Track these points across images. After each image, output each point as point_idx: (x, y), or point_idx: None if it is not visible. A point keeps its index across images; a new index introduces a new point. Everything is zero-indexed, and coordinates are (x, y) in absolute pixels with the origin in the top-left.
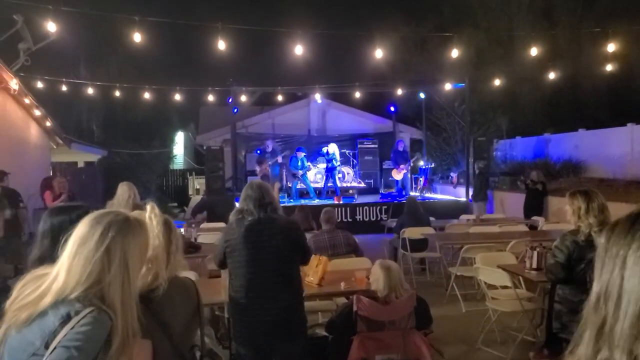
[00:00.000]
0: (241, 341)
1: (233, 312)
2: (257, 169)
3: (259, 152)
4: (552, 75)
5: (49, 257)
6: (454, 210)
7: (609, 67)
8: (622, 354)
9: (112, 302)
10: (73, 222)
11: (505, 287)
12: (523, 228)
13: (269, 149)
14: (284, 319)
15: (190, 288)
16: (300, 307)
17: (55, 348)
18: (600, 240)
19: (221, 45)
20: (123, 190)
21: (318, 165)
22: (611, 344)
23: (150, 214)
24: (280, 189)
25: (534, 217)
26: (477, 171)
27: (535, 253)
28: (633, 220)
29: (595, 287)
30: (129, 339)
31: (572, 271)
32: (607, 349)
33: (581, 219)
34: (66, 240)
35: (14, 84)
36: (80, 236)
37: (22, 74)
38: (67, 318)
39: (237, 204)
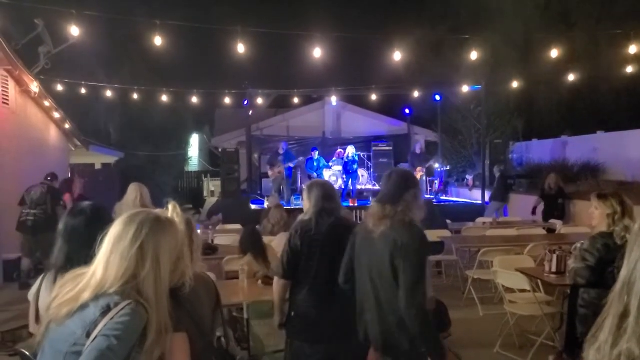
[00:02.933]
0: (305, 338)
1: (298, 310)
2: (269, 171)
3: (269, 155)
4: (570, 78)
5: (66, 256)
6: (470, 213)
7: (630, 69)
8: (637, 346)
9: (147, 296)
10: (86, 223)
11: (523, 290)
12: (541, 231)
13: (282, 151)
14: (346, 320)
15: (209, 283)
16: None
17: (96, 337)
18: (635, 227)
19: (240, 48)
20: (131, 191)
21: (333, 167)
22: (630, 334)
23: (173, 214)
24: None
25: (552, 220)
26: (497, 174)
27: (554, 256)
28: None
29: (623, 273)
30: (163, 332)
31: (602, 275)
32: (626, 340)
33: (616, 222)
34: (102, 240)
35: (34, 87)
36: (115, 234)
37: (42, 77)
38: (107, 309)
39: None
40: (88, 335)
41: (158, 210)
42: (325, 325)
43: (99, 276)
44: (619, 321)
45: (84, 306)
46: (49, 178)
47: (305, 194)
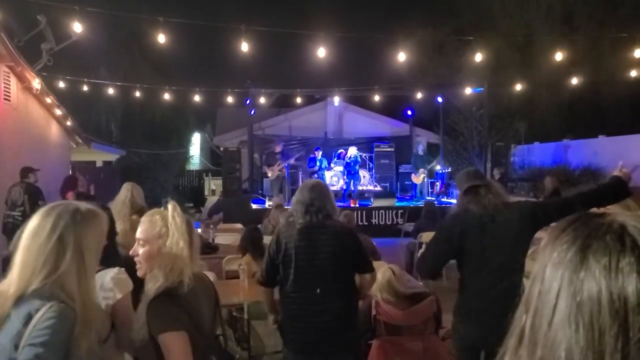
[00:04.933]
0: (292, 347)
1: (284, 317)
2: (268, 171)
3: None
4: (572, 81)
5: None
6: None
7: (633, 73)
8: None
9: (70, 289)
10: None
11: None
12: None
13: (278, 150)
14: (336, 328)
15: (208, 283)
16: (354, 317)
17: (23, 348)
18: (542, 243)
19: (244, 47)
20: (122, 190)
21: (335, 168)
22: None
23: (173, 213)
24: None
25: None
26: (496, 177)
27: None
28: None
29: (525, 290)
30: (89, 323)
31: None
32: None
33: None
34: (19, 236)
35: (36, 83)
36: (32, 229)
37: (44, 74)
38: (28, 318)
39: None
40: (17, 347)
41: (81, 203)
42: (310, 335)
43: (15, 276)
44: (517, 344)
45: (7, 317)
46: (25, 174)
47: (294, 196)
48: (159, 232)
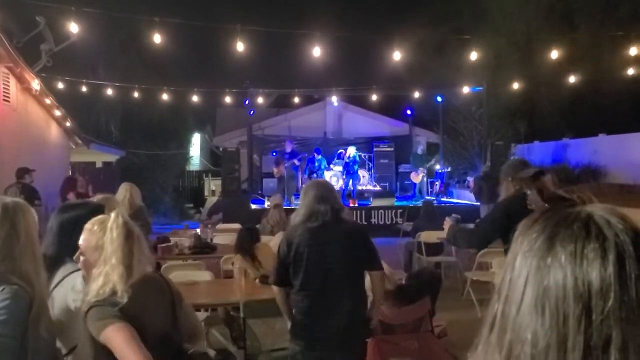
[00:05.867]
0: (302, 345)
1: (295, 315)
2: (275, 170)
3: (274, 154)
4: (571, 80)
5: (54, 252)
6: (470, 215)
7: (631, 71)
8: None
9: (26, 271)
10: (86, 218)
11: None
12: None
13: (288, 150)
14: (346, 326)
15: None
16: (364, 315)
17: None
18: (516, 234)
19: (240, 46)
20: (121, 190)
21: (334, 168)
22: (494, 346)
23: (112, 225)
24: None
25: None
26: (481, 174)
27: None
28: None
29: (497, 279)
30: (45, 304)
31: None
32: (490, 353)
33: None
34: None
35: (35, 84)
36: None
37: (43, 75)
38: None
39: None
40: None
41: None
42: (319, 332)
43: None
44: (489, 331)
45: None
46: (21, 175)
47: (301, 195)
48: (95, 244)
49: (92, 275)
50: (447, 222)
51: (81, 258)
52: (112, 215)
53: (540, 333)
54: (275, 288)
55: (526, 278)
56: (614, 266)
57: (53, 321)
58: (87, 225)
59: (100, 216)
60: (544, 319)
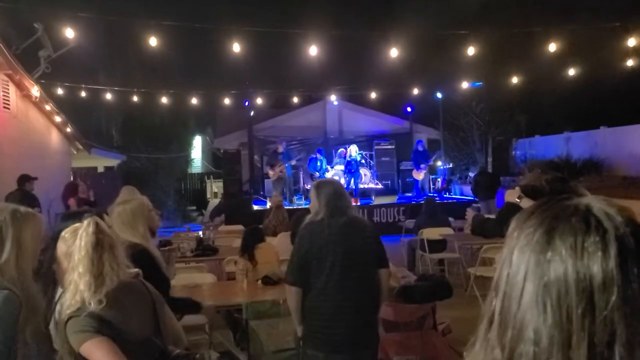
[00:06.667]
0: (325, 349)
1: (311, 315)
2: (270, 171)
3: (267, 155)
4: (571, 72)
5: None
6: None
7: (630, 63)
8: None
9: (11, 276)
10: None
11: None
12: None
13: (282, 150)
14: (361, 324)
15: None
16: (376, 313)
17: None
18: (510, 229)
19: (236, 48)
20: (124, 195)
21: (336, 167)
22: (494, 343)
23: (82, 232)
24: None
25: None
26: (479, 169)
27: None
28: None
29: (495, 275)
30: (34, 309)
31: None
32: (490, 350)
33: None
34: None
35: (35, 91)
36: None
37: (42, 81)
38: None
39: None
40: None
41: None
42: (340, 333)
43: None
44: (487, 328)
45: None
46: (22, 182)
47: (313, 193)
48: (65, 251)
49: (64, 283)
50: (470, 213)
51: (56, 265)
52: (85, 222)
53: (543, 330)
54: (292, 289)
55: (525, 273)
56: (615, 260)
57: (43, 330)
58: (62, 233)
59: (76, 224)
60: (546, 315)
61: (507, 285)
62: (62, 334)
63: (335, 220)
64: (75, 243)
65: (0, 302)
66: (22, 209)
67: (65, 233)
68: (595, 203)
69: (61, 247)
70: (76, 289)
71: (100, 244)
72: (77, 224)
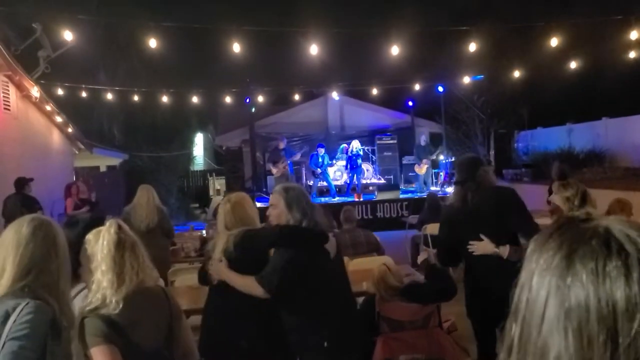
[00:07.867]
0: (313, 355)
1: (303, 327)
2: (273, 169)
3: (269, 150)
4: (573, 64)
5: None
6: None
7: (632, 54)
8: None
9: (56, 289)
10: (79, 235)
11: None
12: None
13: (283, 146)
14: (353, 330)
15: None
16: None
17: (5, 342)
18: (529, 249)
19: (236, 47)
20: (142, 194)
21: (337, 163)
22: None
23: (105, 233)
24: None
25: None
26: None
27: None
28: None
29: (514, 299)
30: (69, 323)
31: None
32: None
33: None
34: None
35: (35, 91)
36: (10, 240)
37: (42, 82)
38: (6, 316)
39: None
40: None
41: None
42: (331, 339)
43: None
44: (506, 356)
45: None
46: (20, 185)
47: (280, 199)
48: (90, 253)
49: (89, 285)
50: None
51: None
52: (107, 223)
53: (565, 357)
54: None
55: (546, 298)
56: (639, 284)
57: (71, 344)
58: (87, 236)
59: (100, 227)
60: (567, 342)
61: (526, 310)
62: (75, 330)
63: (318, 230)
64: (98, 243)
65: (33, 312)
66: (47, 218)
67: (89, 235)
68: (615, 225)
69: (85, 250)
70: (99, 286)
71: (122, 243)
72: (100, 227)
